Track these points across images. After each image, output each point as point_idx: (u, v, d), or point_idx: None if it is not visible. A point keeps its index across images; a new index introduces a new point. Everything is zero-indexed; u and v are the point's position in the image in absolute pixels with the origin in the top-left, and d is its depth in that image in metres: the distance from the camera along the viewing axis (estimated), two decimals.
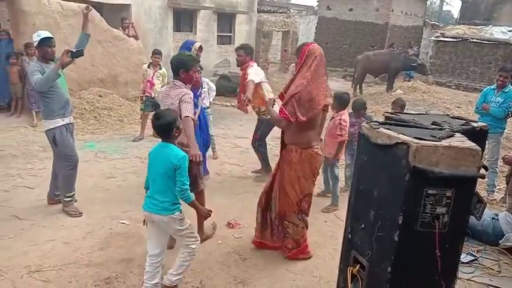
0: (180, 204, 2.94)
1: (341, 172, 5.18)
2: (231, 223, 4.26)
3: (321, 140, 3.82)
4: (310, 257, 3.74)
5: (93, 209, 4.45)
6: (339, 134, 4.62)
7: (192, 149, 3.39)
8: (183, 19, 12.85)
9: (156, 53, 7.10)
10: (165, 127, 2.89)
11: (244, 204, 4.77)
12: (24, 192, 4.83)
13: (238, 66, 5.43)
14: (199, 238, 3.12)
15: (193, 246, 3.03)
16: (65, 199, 4.32)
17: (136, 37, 9.89)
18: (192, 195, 2.95)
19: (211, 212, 3.13)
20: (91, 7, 4.35)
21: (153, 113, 3.03)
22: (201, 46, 5.03)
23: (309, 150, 3.52)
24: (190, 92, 3.55)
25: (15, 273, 3.28)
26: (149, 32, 11.33)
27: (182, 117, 3.37)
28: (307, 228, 3.75)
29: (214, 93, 6.35)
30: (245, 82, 5.21)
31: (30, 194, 4.79)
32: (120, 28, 9.65)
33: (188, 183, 2.85)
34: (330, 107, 3.94)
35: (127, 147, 6.82)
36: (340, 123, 4.63)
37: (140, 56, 9.79)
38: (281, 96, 3.60)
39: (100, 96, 8.60)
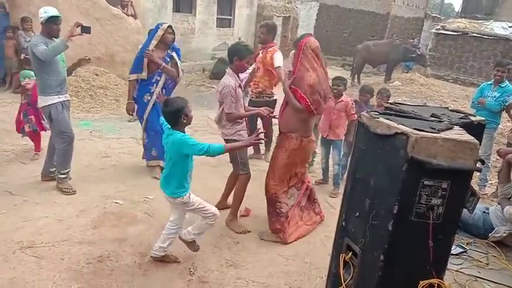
0: (187, 189, 3.09)
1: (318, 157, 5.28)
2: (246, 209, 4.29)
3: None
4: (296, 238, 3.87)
5: (87, 188, 4.44)
6: (353, 114, 4.91)
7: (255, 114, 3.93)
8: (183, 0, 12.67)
9: None
10: (172, 114, 2.96)
11: None
12: (18, 168, 4.81)
13: (260, 43, 5.43)
14: (216, 212, 3.23)
15: (209, 221, 3.22)
16: (59, 176, 4.31)
17: (135, 16, 9.74)
18: (218, 146, 2.98)
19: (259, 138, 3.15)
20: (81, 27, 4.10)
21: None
22: (170, 26, 4.80)
23: (308, 138, 3.80)
24: (231, 84, 3.69)
25: (8, 248, 3.28)
26: (148, 12, 11.17)
27: (225, 113, 3.73)
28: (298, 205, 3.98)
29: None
30: (265, 63, 5.18)
31: (24, 170, 4.76)
32: (119, 6, 9.50)
33: (201, 146, 2.88)
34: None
35: (122, 127, 6.79)
36: (353, 104, 4.97)
37: (138, 36, 9.65)
38: (296, 91, 3.61)
39: (96, 75, 8.51)
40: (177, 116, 2.96)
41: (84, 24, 4.06)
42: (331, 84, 5.22)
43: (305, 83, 3.55)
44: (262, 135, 3.19)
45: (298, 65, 3.62)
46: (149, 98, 4.75)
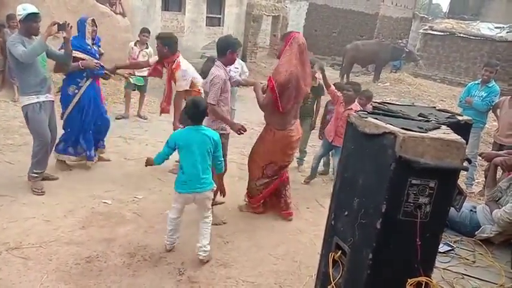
0: None
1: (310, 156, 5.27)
2: None
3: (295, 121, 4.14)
4: (259, 212, 4.27)
5: (75, 188, 4.40)
6: None
7: (231, 125, 3.86)
8: None
9: (145, 31, 7.04)
10: (203, 114, 3.25)
11: (226, 188, 4.75)
12: (5, 168, 4.74)
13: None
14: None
15: (210, 217, 3.42)
16: (31, 174, 4.25)
17: (123, 14, 9.67)
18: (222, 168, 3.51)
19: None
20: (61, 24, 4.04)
21: (191, 99, 3.36)
22: (93, 20, 4.79)
23: (283, 131, 3.91)
24: (221, 75, 3.75)
25: None
26: (137, 10, 11.08)
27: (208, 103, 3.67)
28: (266, 189, 4.18)
29: (247, 75, 6.32)
30: (172, 80, 4.73)
31: (11, 169, 4.69)
32: (107, 4, 9.42)
33: (221, 156, 3.38)
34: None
35: (110, 126, 6.70)
36: None
37: (127, 34, 9.58)
38: (270, 81, 3.76)
39: None
40: (205, 115, 3.28)
41: (60, 22, 4.01)
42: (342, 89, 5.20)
43: (279, 77, 3.67)
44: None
45: (281, 57, 3.75)
46: (76, 91, 4.64)
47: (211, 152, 3.24)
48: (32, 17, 3.90)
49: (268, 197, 4.24)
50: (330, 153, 5.28)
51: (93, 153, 4.90)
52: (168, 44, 4.58)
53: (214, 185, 3.38)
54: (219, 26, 14.18)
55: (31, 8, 3.90)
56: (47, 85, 4.19)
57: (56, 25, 3.98)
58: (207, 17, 13.66)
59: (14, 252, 3.23)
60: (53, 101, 4.33)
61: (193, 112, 3.21)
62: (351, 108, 4.75)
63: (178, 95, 4.63)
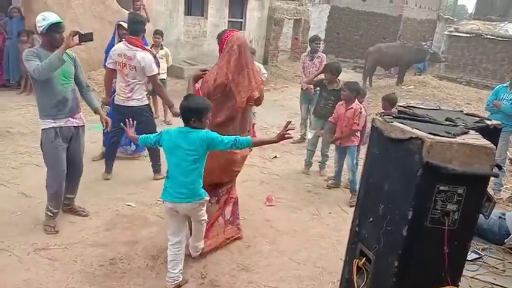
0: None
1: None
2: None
3: (249, 131, 3.60)
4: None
5: (100, 190, 4.48)
6: (355, 123, 4.80)
7: None
8: (195, 3, 12.71)
9: (157, 33, 7.05)
10: (193, 115, 2.75)
11: (248, 192, 4.77)
12: (32, 170, 4.87)
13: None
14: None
15: (205, 219, 3.13)
16: (46, 211, 3.70)
17: (147, 19, 9.79)
18: (245, 138, 2.92)
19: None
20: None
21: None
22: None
23: None
24: None
25: (22, 250, 3.33)
26: (160, 15, 11.24)
27: None
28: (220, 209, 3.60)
29: (265, 76, 6.13)
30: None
31: (38, 172, 4.79)
32: (132, 9, 9.59)
33: (227, 139, 2.79)
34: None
35: None
36: (361, 112, 4.82)
37: (150, 39, 9.72)
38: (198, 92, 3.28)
39: None
40: (194, 117, 2.75)
41: (82, 32, 3.39)
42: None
43: (204, 87, 3.18)
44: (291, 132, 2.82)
45: (219, 61, 3.24)
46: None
47: (200, 157, 2.80)
48: (55, 27, 3.34)
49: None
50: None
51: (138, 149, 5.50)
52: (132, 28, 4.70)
53: (206, 197, 2.96)
54: (241, 30, 14.25)
55: (53, 17, 3.35)
56: (67, 107, 3.54)
57: (78, 35, 3.36)
58: (229, 21, 13.75)
59: (41, 253, 3.31)
60: (77, 126, 3.69)
61: (190, 107, 2.77)
62: (352, 108, 4.84)
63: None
